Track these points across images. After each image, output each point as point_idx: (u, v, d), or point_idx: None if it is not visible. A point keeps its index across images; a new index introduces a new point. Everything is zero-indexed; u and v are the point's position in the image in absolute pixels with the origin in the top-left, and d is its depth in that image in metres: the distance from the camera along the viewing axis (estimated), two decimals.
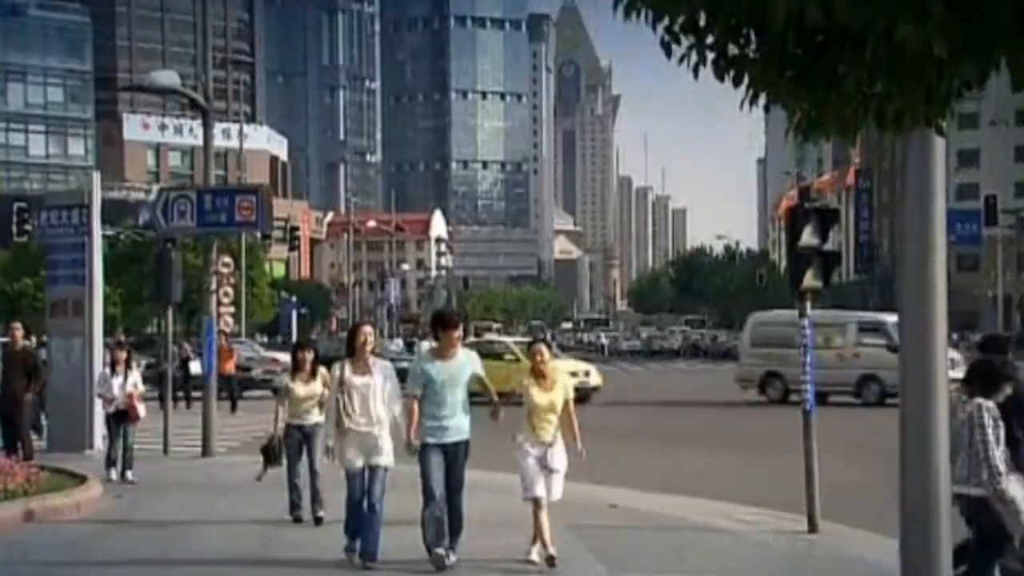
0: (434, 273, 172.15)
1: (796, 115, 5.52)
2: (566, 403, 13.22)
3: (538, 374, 13.25)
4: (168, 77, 28.04)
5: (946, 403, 9.61)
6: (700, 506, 17.76)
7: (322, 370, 16.17)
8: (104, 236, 33.18)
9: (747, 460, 25.02)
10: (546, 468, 13.01)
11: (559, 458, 13.16)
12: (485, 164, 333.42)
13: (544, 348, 13.61)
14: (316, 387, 16.30)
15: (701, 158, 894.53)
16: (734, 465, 24.28)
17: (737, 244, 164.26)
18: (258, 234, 76.62)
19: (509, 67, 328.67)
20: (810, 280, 15.51)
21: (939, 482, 9.51)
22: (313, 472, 16.21)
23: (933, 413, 9.48)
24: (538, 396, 13.10)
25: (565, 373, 13.63)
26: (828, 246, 15.62)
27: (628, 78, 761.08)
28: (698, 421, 36.16)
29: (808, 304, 15.91)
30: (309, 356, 16.69)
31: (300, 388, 16.45)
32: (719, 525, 16.03)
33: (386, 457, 13.23)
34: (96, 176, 28.22)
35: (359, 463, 13.16)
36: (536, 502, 12.95)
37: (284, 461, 16.50)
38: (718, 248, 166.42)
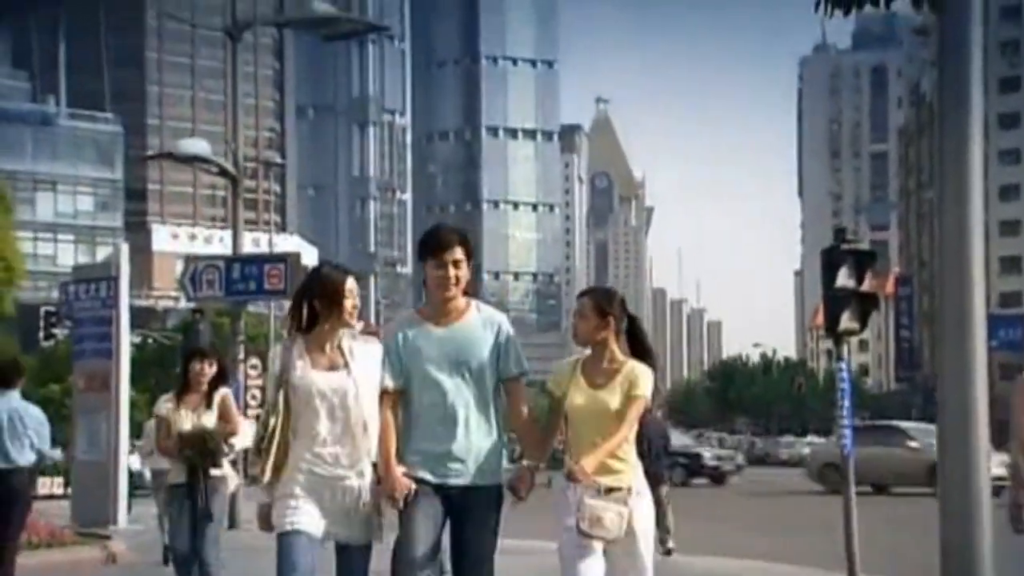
0: None
1: None
2: (630, 403, 7.15)
3: (587, 367, 7.41)
4: (197, 145, 27.90)
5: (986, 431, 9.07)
6: (739, 564, 17.67)
7: (223, 392, 10.80)
8: (132, 344, 32.98)
9: (786, 532, 24.73)
10: (601, 537, 7.06)
11: (637, 511, 7.15)
12: (517, 275, 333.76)
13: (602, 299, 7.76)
14: (208, 420, 10.60)
15: (735, 272, 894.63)
16: (774, 534, 24.07)
17: (774, 352, 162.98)
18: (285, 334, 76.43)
19: (541, 178, 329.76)
20: (847, 322, 15.19)
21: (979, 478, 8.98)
22: (204, 562, 10.65)
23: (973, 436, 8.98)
24: (580, 397, 7.23)
25: (639, 364, 7.31)
26: (865, 287, 15.31)
27: (661, 190, 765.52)
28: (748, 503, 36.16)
29: (845, 347, 15.57)
30: (210, 371, 10.71)
31: (183, 419, 10.59)
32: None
33: (369, 527, 6.70)
34: (124, 248, 27.99)
35: (315, 532, 6.56)
36: None
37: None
38: (755, 357, 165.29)
